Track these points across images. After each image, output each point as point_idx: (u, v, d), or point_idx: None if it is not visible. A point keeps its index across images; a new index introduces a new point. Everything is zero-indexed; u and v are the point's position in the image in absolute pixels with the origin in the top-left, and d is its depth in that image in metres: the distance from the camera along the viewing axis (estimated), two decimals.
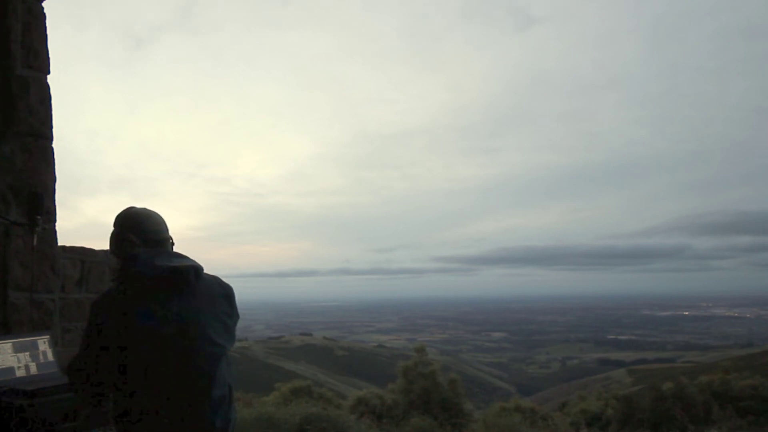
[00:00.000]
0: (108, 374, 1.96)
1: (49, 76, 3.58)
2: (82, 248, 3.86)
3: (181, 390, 1.95)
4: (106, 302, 1.99)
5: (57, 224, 3.57)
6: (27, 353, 2.82)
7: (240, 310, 2.27)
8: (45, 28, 3.55)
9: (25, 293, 3.31)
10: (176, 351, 1.94)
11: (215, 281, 2.17)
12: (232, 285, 2.23)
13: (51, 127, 3.56)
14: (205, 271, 2.14)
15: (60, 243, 3.62)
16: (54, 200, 3.56)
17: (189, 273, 2.03)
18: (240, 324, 2.28)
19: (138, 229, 2.12)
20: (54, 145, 3.58)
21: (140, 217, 2.16)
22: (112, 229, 2.20)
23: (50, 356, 2.91)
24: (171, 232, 2.23)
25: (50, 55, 3.58)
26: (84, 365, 1.99)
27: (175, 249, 2.22)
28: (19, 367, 2.75)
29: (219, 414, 2.01)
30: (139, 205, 2.23)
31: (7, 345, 2.77)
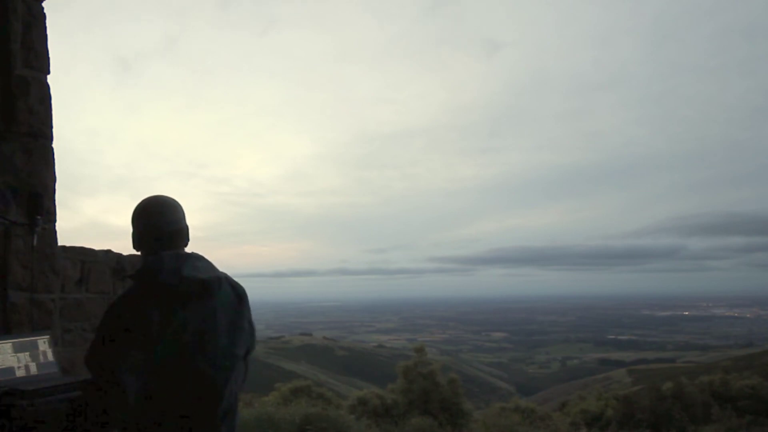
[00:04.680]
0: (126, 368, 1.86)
1: (49, 76, 3.58)
2: (82, 248, 3.86)
3: (192, 401, 1.92)
4: (129, 303, 1.91)
5: (57, 224, 3.57)
6: (27, 353, 2.81)
7: None
8: (45, 28, 3.55)
9: (25, 293, 3.31)
10: (190, 362, 1.91)
11: (232, 291, 2.11)
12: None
13: (51, 127, 3.56)
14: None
15: (60, 243, 3.62)
16: (54, 200, 3.55)
17: (214, 286, 1.99)
18: None
19: (156, 221, 2.04)
20: (54, 145, 3.58)
21: (157, 206, 2.08)
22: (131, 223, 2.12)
23: (50, 356, 2.91)
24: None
25: (50, 55, 3.59)
26: (109, 359, 1.87)
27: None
28: (19, 367, 2.75)
29: (224, 422, 2.00)
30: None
31: (7, 345, 2.77)
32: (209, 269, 2.04)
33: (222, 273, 2.09)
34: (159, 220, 2.05)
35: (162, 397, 1.89)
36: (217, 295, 2.01)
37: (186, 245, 2.11)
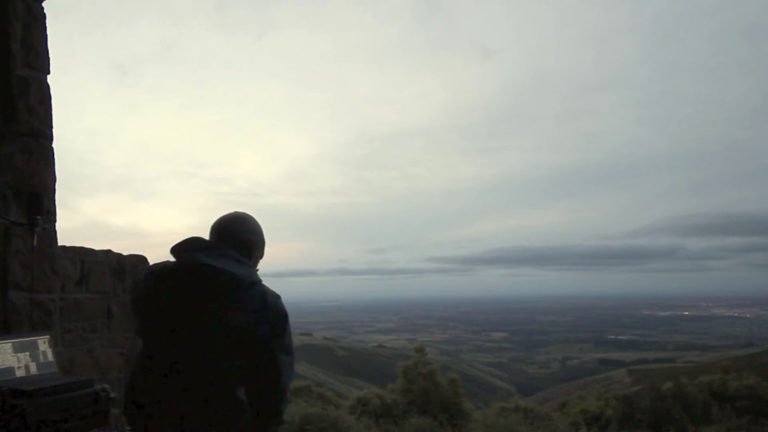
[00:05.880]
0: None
1: (49, 77, 3.58)
2: (82, 248, 3.87)
3: (172, 395, 1.87)
4: (152, 275, 2.01)
5: (57, 224, 3.58)
6: (27, 353, 2.82)
7: None
8: (45, 28, 3.56)
9: (25, 293, 3.31)
10: (173, 352, 1.89)
11: (260, 297, 1.99)
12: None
13: (51, 127, 3.57)
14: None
15: (60, 243, 3.62)
16: (54, 200, 3.56)
17: (227, 280, 1.92)
18: None
19: (215, 232, 2.08)
20: (54, 145, 3.59)
21: (220, 220, 2.11)
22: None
23: (50, 356, 2.91)
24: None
25: (50, 55, 3.59)
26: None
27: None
28: (19, 367, 2.75)
29: (224, 425, 1.92)
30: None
31: (7, 345, 2.77)
32: (232, 267, 1.95)
33: (246, 274, 1.98)
34: (217, 232, 2.09)
35: (144, 376, 1.93)
36: (227, 291, 1.92)
37: (240, 251, 2.03)
